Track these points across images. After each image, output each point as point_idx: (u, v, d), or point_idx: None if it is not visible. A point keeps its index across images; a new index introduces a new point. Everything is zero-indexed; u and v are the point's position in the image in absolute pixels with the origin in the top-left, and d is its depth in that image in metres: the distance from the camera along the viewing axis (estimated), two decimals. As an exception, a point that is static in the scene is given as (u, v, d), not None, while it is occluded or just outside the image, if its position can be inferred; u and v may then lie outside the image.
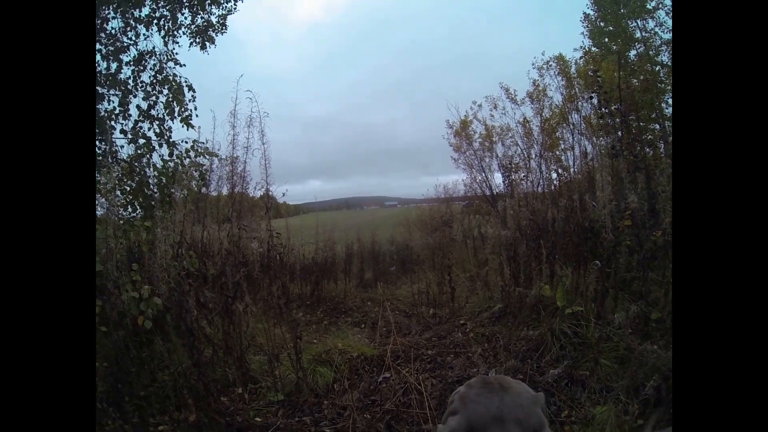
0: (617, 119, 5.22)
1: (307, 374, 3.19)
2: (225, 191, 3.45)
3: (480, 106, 8.09)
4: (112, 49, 5.19)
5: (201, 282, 3.02)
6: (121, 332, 2.64)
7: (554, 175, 5.50)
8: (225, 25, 5.76)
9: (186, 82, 5.44)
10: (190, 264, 2.99)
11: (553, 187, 5.31)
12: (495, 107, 7.74)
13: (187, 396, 2.61)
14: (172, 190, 3.59)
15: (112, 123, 5.20)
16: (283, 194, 4.24)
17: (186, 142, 4.38)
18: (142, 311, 2.69)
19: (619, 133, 5.08)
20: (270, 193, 3.27)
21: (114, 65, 5.24)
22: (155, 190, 4.08)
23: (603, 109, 4.78)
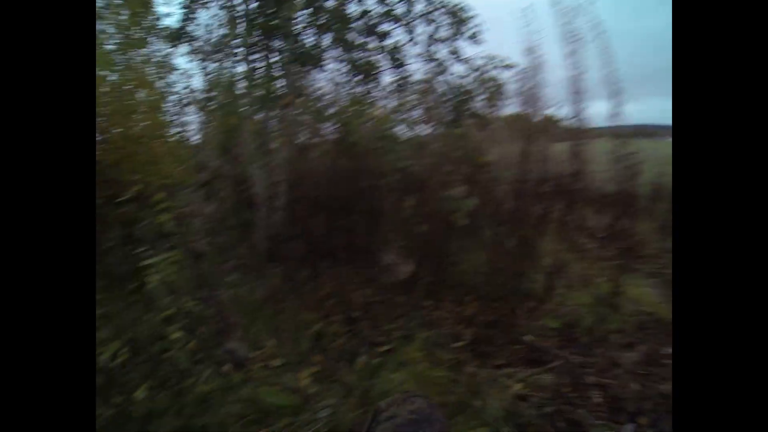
0: None
1: (587, 313, 3.06)
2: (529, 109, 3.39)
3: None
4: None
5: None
6: (437, 226, 3.03)
7: None
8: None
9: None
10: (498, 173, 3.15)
11: None
12: None
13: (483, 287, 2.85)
14: (470, 107, 3.73)
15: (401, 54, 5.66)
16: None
17: (480, 59, 4.41)
18: (456, 209, 2.98)
19: None
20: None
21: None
22: (451, 108, 4.33)
23: None
